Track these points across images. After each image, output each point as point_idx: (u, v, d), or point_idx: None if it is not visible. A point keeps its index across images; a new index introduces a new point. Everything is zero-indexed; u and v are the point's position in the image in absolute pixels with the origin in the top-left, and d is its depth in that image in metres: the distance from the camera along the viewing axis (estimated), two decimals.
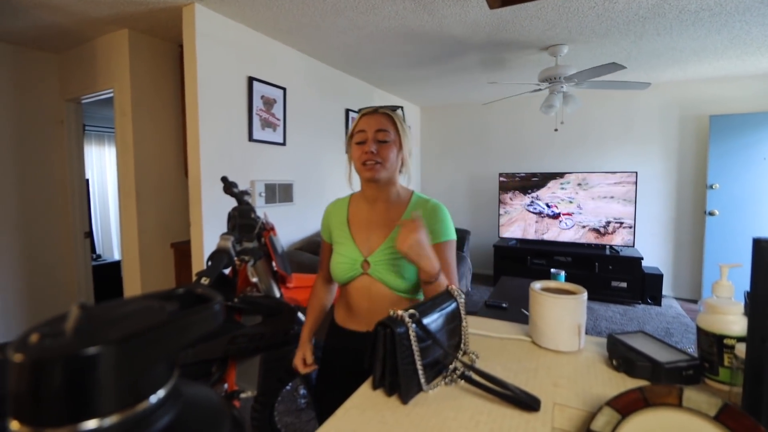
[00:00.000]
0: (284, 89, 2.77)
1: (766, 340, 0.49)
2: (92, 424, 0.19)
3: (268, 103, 2.66)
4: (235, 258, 1.13)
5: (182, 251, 2.78)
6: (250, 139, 2.55)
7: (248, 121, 2.53)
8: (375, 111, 1.01)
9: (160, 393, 0.21)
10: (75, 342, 0.19)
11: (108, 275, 3.70)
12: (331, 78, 3.37)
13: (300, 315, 1.26)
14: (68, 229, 3.07)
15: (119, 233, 3.59)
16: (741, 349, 0.58)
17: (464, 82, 3.84)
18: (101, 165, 4.83)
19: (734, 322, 0.62)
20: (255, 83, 2.53)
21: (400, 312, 0.61)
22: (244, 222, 1.26)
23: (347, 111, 3.60)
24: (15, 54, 2.72)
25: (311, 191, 3.20)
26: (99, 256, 4.63)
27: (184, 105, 2.73)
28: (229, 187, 1.42)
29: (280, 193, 2.80)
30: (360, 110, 1.03)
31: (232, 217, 1.29)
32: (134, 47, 2.50)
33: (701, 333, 0.65)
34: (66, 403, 0.19)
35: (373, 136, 0.97)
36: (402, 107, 1.06)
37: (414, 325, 0.61)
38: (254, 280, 1.22)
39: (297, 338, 1.22)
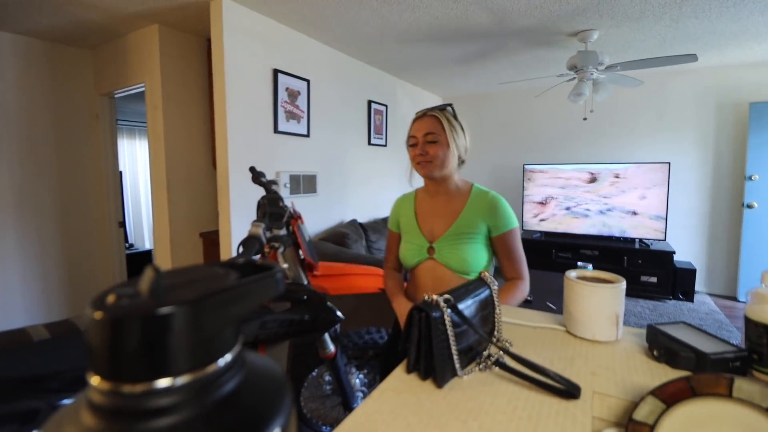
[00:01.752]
0: (308, 81, 2.79)
1: None
2: (165, 382, 0.19)
3: (293, 95, 2.68)
4: (266, 245, 1.15)
5: (210, 240, 2.86)
6: (275, 130, 2.58)
7: (273, 113, 2.56)
8: (424, 114, 1.14)
9: (227, 357, 0.22)
10: (152, 302, 0.20)
11: (140, 263, 3.84)
12: (353, 69, 3.37)
13: (328, 303, 1.28)
14: (103, 219, 3.20)
15: (150, 223, 3.71)
16: None
17: (487, 71, 3.76)
18: (133, 158, 5.00)
19: None
20: (280, 75, 2.55)
21: (435, 297, 0.61)
22: (273, 210, 1.28)
23: (369, 102, 3.59)
24: (52, 50, 2.83)
25: (335, 182, 3.22)
26: (131, 245, 4.82)
27: (212, 98, 2.80)
28: (257, 176, 1.44)
29: (305, 184, 2.83)
30: (415, 115, 1.17)
31: (261, 205, 1.31)
32: (164, 42, 2.56)
33: (750, 324, 0.63)
34: (142, 360, 0.19)
35: (422, 139, 1.12)
36: (452, 104, 1.17)
37: (449, 310, 0.61)
38: (285, 266, 1.24)
39: (324, 325, 1.25)
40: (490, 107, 4.87)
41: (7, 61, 2.61)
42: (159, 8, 2.29)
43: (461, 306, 0.64)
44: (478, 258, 1.11)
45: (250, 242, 1.07)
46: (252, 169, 1.47)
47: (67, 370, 0.79)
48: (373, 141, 3.67)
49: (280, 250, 1.19)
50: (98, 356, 0.19)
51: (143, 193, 5.05)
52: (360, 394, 1.62)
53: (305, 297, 1.28)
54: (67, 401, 0.80)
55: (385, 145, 3.89)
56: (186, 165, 2.78)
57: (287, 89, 2.63)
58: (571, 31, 2.67)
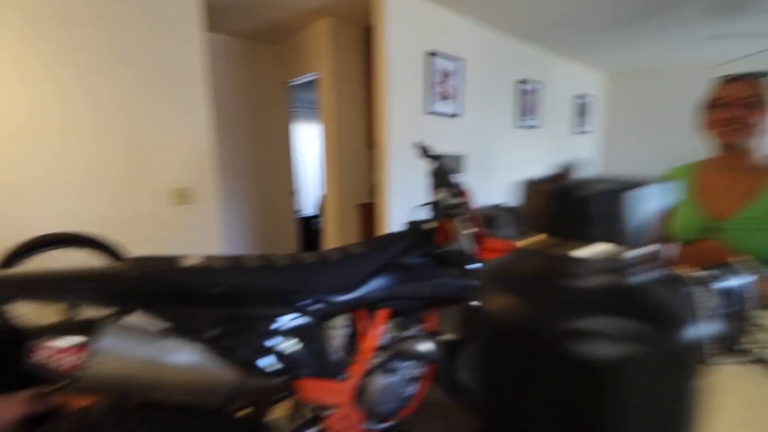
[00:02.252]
0: (461, 60, 2.76)
1: None
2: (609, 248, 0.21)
3: (446, 74, 2.70)
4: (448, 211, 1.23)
5: (365, 210, 3.13)
6: (427, 111, 2.65)
7: (425, 94, 2.62)
8: (736, 79, 1.00)
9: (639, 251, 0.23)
10: (622, 183, 0.21)
11: (305, 224, 4.38)
12: (505, 47, 3.21)
13: None
14: (281, 187, 3.80)
15: (311, 193, 4.26)
16: None
17: (671, 40, 3.14)
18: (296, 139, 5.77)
19: None
20: (433, 57, 2.59)
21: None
22: (449, 180, 1.33)
23: (521, 81, 3.38)
24: (249, 48, 3.42)
25: (484, 163, 3.17)
26: (297, 211, 5.62)
27: (369, 82, 3.01)
28: (426, 150, 1.51)
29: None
30: (721, 78, 1.03)
31: (439, 174, 1.36)
32: (335, 33, 2.84)
33: None
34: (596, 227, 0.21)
35: (736, 101, 0.97)
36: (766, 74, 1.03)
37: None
38: (466, 232, 1.27)
39: None
40: (670, 84, 4.09)
41: (220, 58, 3.26)
42: (332, 2, 2.54)
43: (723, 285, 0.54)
44: None
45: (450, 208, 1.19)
46: (420, 146, 1.54)
47: (306, 290, 0.98)
48: (523, 122, 3.46)
49: (460, 217, 1.24)
50: (548, 219, 0.22)
51: (306, 168, 5.81)
52: None
53: (471, 265, 1.30)
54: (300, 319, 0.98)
55: (538, 127, 3.64)
56: (349, 144, 3.09)
57: (440, 70, 2.66)
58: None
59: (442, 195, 1.27)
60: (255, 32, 3.21)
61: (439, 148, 2.80)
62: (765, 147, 1.02)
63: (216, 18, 2.82)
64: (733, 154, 1.02)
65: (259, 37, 3.34)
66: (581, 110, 4.24)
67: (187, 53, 2.02)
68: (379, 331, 1.15)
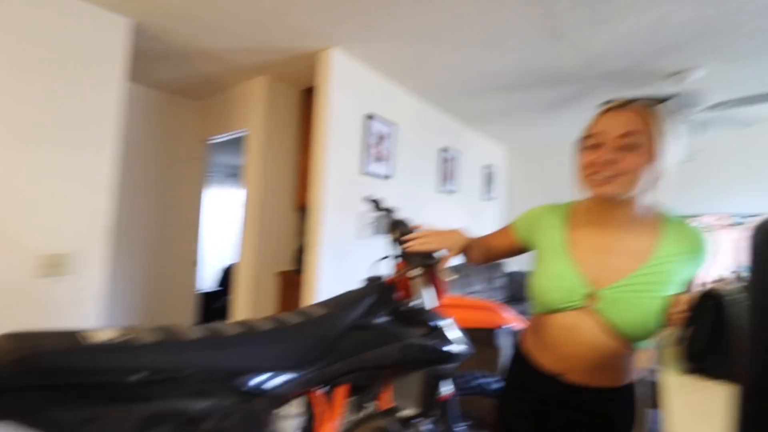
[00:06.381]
0: (395, 125, 2.91)
1: None
2: None
3: (381, 137, 2.79)
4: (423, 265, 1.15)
5: (288, 279, 2.89)
6: (363, 171, 2.66)
7: (362, 155, 2.66)
8: (623, 106, 0.79)
9: None
10: None
11: (204, 302, 3.85)
12: (431, 117, 3.49)
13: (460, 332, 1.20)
14: (186, 257, 3.36)
15: (213, 266, 3.85)
16: None
17: (563, 118, 3.76)
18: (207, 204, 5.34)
19: None
20: (371, 120, 2.69)
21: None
22: (410, 229, 1.27)
23: (442, 150, 3.66)
24: (168, 101, 3.19)
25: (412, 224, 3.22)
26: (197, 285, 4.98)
27: (303, 142, 2.98)
28: (379, 204, 1.47)
29: (383, 226, 2.83)
30: (603, 104, 0.83)
31: (396, 226, 1.30)
32: (270, 92, 2.82)
33: None
34: None
35: (613, 141, 0.76)
36: (667, 99, 0.89)
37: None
38: (426, 290, 1.18)
39: (459, 356, 1.15)
40: (561, 157, 4.81)
41: (137, 110, 2.96)
42: (270, 60, 2.53)
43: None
44: (660, 320, 0.75)
45: (414, 259, 1.08)
46: (371, 199, 1.50)
47: (255, 368, 0.75)
48: (444, 187, 3.68)
49: (419, 271, 1.16)
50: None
51: (210, 237, 5.32)
52: None
53: (440, 324, 1.20)
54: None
55: (454, 192, 3.89)
56: (274, 206, 2.91)
57: (376, 132, 2.75)
58: (666, 72, 2.62)
59: (401, 246, 1.19)
60: (179, 85, 3.02)
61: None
62: (655, 198, 0.81)
63: (139, 67, 2.61)
64: (609, 205, 0.82)
65: (183, 91, 3.15)
66: (488, 179, 4.70)
67: (100, 99, 1.78)
68: (338, 417, 0.95)
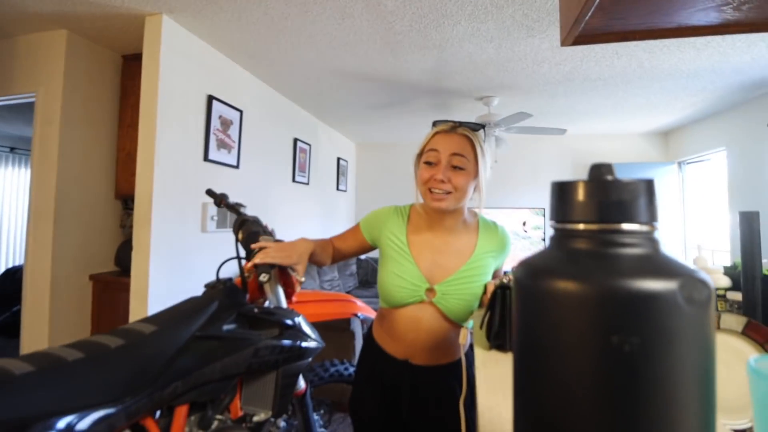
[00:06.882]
0: (241, 111, 2.70)
1: (756, 281, 0.70)
2: (633, 227, 0.25)
3: (225, 123, 2.56)
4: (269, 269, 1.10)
5: (104, 283, 2.41)
6: (206, 158, 2.41)
7: (205, 140, 2.39)
8: (453, 129, 0.93)
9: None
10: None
11: None
12: (282, 107, 3.39)
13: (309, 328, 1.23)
14: None
15: None
16: (730, 295, 0.79)
17: (404, 124, 4.17)
18: None
19: (720, 279, 0.83)
20: (214, 102, 2.43)
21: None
22: (260, 230, 1.22)
23: (295, 140, 3.61)
24: None
25: (262, 218, 3.07)
26: None
27: (122, 119, 2.49)
28: (221, 199, 1.36)
29: (232, 219, 2.63)
30: (435, 123, 0.97)
31: (243, 225, 1.24)
32: (71, 51, 2.23)
33: None
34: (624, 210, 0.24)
35: (447, 160, 0.90)
36: (484, 126, 1.00)
37: None
38: (277, 290, 1.16)
39: (311, 352, 1.19)
40: (400, 155, 5.32)
41: None
42: (75, 13, 2.02)
43: None
44: (478, 303, 0.96)
45: (261, 266, 1.04)
46: (211, 192, 1.38)
47: (56, 411, 0.62)
48: (297, 179, 3.65)
49: (269, 273, 1.13)
50: (585, 207, 0.25)
51: None
52: None
53: (292, 322, 1.21)
54: None
55: (308, 184, 3.90)
56: (80, 194, 2.36)
57: (220, 117, 2.51)
58: (479, 95, 3.20)
59: (250, 245, 1.14)
60: None
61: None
62: (474, 205, 1.01)
63: None
64: (442, 215, 0.97)
65: None
66: (341, 171, 4.88)
67: None
68: None
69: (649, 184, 0.25)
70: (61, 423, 0.60)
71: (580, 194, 0.26)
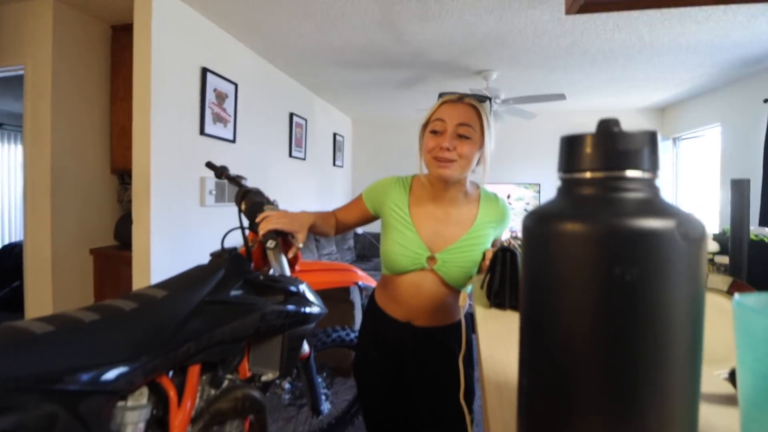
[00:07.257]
0: (236, 84, 2.66)
1: (743, 244, 0.74)
2: (636, 173, 0.26)
3: (221, 97, 2.52)
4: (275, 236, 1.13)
5: (104, 257, 2.43)
6: (202, 132, 2.38)
7: (200, 114, 2.37)
8: (460, 99, 0.94)
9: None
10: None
11: None
12: (278, 80, 3.33)
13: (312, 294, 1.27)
14: None
15: None
16: (717, 259, 0.83)
17: (402, 97, 4.12)
18: None
19: (709, 244, 0.87)
20: (209, 75, 2.39)
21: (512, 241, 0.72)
22: (262, 200, 1.24)
23: (291, 115, 3.56)
24: None
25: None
26: None
27: (114, 92, 2.45)
28: (222, 171, 1.38)
29: (231, 193, 2.64)
30: (441, 95, 0.97)
31: (246, 196, 1.26)
32: (59, 21, 2.17)
33: None
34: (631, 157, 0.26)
35: (453, 129, 0.91)
36: (490, 99, 0.99)
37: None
38: (281, 258, 1.19)
39: (315, 317, 1.23)
40: (397, 131, 5.28)
41: None
42: None
43: None
44: (476, 269, 0.99)
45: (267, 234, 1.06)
46: (211, 165, 1.38)
47: (80, 367, 0.65)
48: (294, 154, 3.63)
49: (275, 241, 1.15)
50: (592, 157, 0.27)
51: None
52: (323, 397, 1.59)
53: (296, 289, 1.24)
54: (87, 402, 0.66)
55: (305, 159, 3.88)
56: (76, 169, 2.35)
57: (215, 90, 2.47)
58: (476, 69, 3.16)
59: (254, 215, 1.17)
60: None
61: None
62: (477, 177, 1.04)
63: None
64: (444, 185, 0.98)
65: None
66: (337, 147, 4.85)
67: None
68: (194, 397, 0.91)
69: (652, 136, 0.27)
70: (86, 377, 0.64)
71: (588, 145, 0.28)
